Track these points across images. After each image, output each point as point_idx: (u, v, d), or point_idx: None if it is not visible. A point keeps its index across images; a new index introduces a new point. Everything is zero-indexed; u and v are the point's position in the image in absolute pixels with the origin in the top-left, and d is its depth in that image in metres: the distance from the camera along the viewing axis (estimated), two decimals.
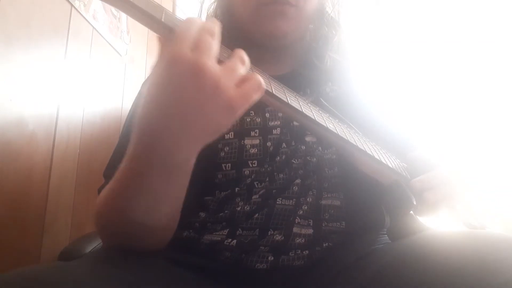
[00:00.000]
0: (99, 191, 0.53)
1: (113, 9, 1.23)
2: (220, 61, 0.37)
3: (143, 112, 0.37)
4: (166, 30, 0.37)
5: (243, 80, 0.37)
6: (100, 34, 1.13)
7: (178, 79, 0.34)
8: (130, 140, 0.39)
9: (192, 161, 0.40)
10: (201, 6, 0.72)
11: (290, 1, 0.59)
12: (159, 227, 0.45)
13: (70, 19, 0.97)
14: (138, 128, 0.37)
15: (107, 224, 0.46)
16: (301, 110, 0.43)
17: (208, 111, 0.35)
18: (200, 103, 0.35)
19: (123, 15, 1.30)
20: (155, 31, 0.37)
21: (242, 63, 0.38)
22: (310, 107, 0.46)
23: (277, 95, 0.41)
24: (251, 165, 0.57)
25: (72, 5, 0.97)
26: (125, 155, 0.40)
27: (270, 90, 0.41)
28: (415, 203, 0.52)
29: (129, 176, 0.40)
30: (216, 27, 0.38)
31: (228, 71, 0.36)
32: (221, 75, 0.35)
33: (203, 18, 0.72)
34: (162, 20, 0.36)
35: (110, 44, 1.21)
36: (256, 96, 0.37)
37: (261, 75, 0.40)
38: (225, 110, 0.36)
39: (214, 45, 0.36)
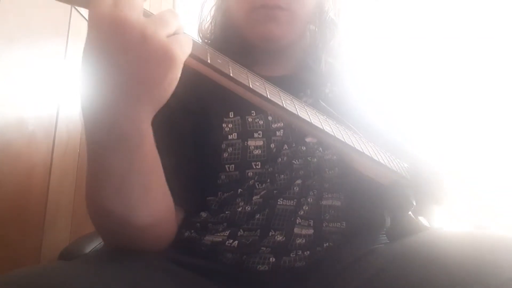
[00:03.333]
0: None
1: None
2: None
3: (81, 89, 0.35)
4: None
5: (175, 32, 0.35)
6: None
7: (101, 39, 0.33)
8: None
9: (146, 129, 0.38)
10: (201, 10, 0.72)
11: (281, 5, 0.59)
12: (142, 226, 0.43)
13: (70, 19, 0.97)
14: (81, 108, 0.36)
15: (93, 218, 0.45)
16: (296, 113, 0.43)
17: (141, 66, 0.33)
18: (129, 59, 0.33)
19: None
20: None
21: (173, 16, 0.36)
22: (306, 110, 0.46)
23: (272, 99, 0.41)
24: (254, 167, 0.57)
25: (72, 5, 0.97)
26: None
27: (265, 95, 0.41)
28: (414, 202, 0.52)
29: (90, 164, 0.39)
30: None
31: (155, 21, 0.34)
32: (148, 25, 0.33)
33: (201, 18, 0.72)
34: None
35: None
36: (189, 45, 0.36)
37: (256, 79, 0.40)
38: (159, 61, 0.34)
39: (137, 1, 0.34)
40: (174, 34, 0.35)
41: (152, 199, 0.44)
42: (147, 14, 0.36)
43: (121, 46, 0.33)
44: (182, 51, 0.35)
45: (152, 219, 0.45)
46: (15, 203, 0.78)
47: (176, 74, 0.36)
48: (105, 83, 0.34)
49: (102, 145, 0.37)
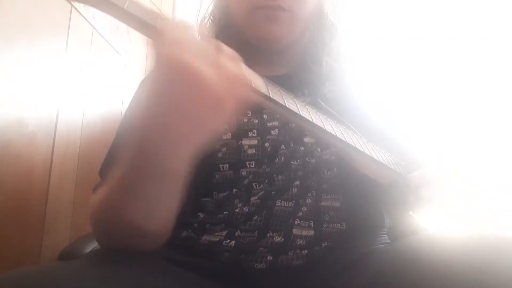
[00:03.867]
0: (94, 190, 0.53)
1: None
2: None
3: (134, 117, 0.37)
4: (150, 29, 0.36)
5: (231, 75, 0.36)
6: (100, 34, 1.13)
7: (164, 78, 0.34)
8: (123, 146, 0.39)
9: (187, 165, 0.39)
10: (200, 6, 0.72)
11: (283, 6, 0.59)
12: (155, 230, 0.45)
13: (70, 19, 0.97)
14: (130, 134, 0.37)
15: (103, 227, 0.46)
16: (298, 112, 0.43)
17: (194, 110, 0.34)
18: (185, 102, 0.34)
19: None
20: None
21: (234, 59, 0.37)
22: (307, 109, 0.46)
23: (274, 97, 0.41)
24: (248, 166, 0.57)
25: (72, 5, 0.97)
26: (118, 160, 0.40)
27: (267, 93, 0.41)
28: (412, 199, 0.52)
29: (123, 183, 0.40)
30: (204, 27, 0.37)
31: (214, 67, 0.35)
32: (207, 72, 0.34)
33: (199, 17, 0.72)
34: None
35: (110, 44, 1.21)
36: (245, 95, 0.36)
37: (257, 78, 0.40)
38: (212, 108, 0.35)
39: (201, 42, 0.36)
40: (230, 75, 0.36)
41: (170, 215, 0.45)
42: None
43: (179, 89, 0.34)
44: (236, 103, 0.36)
45: (162, 226, 0.46)
46: (15, 203, 0.78)
47: (223, 121, 0.37)
48: (159, 122, 0.35)
49: (142, 174, 0.38)
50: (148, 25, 0.36)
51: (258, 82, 0.41)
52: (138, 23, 0.36)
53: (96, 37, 1.11)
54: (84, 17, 1.04)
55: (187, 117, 0.35)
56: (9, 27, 0.76)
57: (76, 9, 0.99)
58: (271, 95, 0.41)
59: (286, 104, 0.42)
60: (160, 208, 0.43)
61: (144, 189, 0.39)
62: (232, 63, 0.36)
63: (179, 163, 0.38)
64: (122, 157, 0.39)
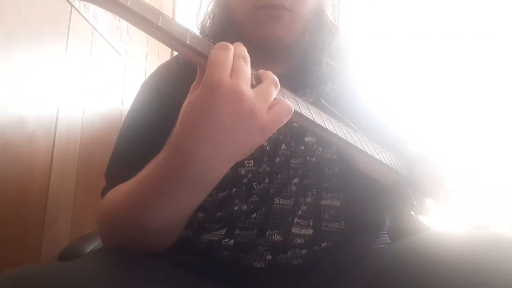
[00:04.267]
0: (103, 193, 0.53)
1: None
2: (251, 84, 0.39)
3: (180, 132, 0.38)
4: (197, 55, 0.38)
5: (274, 104, 0.39)
6: (100, 34, 1.13)
7: (219, 104, 0.36)
8: (156, 154, 0.41)
9: (221, 178, 0.41)
10: (200, 5, 0.72)
11: (285, 5, 0.59)
12: (169, 231, 0.46)
13: (70, 19, 0.97)
14: (174, 146, 0.38)
15: (115, 230, 0.47)
16: (299, 111, 0.43)
17: (243, 134, 0.37)
18: (236, 126, 0.37)
19: None
20: (153, 36, 0.38)
21: (275, 87, 0.40)
22: (309, 108, 0.46)
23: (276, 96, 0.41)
24: (247, 165, 0.57)
25: (72, 5, 0.97)
26: (149, 166, 0.42)
27: None
28: (415, 202, 0.52)
29: (155, 190, 0.41)
30: (246, 52, 0.40)
31: (262, 96, 0.38)
32: (256, 100, 0.37)
33: (199, 17, 0.72)
34: (159, 24, 0.36)
35: (110, 44, 1.21)
36: (286, 120, 0.39)
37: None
38: (257, 133, 0.38)
39: (248, 71, 0.38)
40: (273, 104, 0.39)
41: (187, 216, 0.47)
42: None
43: (233, 115, 0.36)
44: (276, 126, 0.39)
45: (175, 227, 0.48)
46: (15, 203, 0.78)
47: (263, 141, 0.41)
48: (209, 140, 0.37)
49: (176, 187, 0.40)
50: (197, 51, 0.38)
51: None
52: (140, 21, 0.36)
53: (96, 37, 1.12)
54: (84, 17, 1.04)
55: (236, 139, 0.37)
56: (9, 27, 0.76)
57: (76, 9, 0.99)
58: None
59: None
60: (182, 214, 0.45)
61: (178, 198, 0.41)
62: (276, 90, 0.40)
63: (217, 177, 0.41)
64: (157, 165, 0.40)
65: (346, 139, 0.48)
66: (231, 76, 0.37)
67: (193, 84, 0.40)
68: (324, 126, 0.45)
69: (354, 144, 0.48)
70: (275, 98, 0.40)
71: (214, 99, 0.36)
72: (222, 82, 0.36)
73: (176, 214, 0.44)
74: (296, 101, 0.44)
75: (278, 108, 0.39)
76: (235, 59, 0.38)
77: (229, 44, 0.39)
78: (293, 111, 0.40)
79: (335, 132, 0.46)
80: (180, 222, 0.47)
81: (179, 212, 0.44)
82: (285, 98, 0.43)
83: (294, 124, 0.59)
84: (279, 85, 0.40)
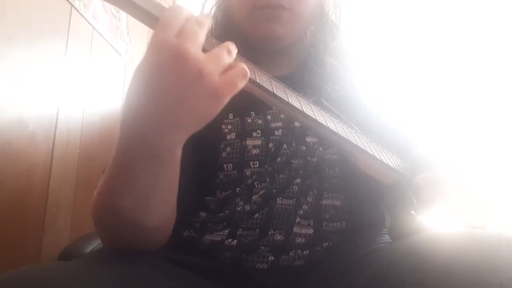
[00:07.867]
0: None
1: (113, 9, 1.23)
2: (207, 51, 0.36)
3: (126, 101, 0.36)
4: (149, 17, 0.37)
5: (228, 68, 0.37)
6: (100, 34, 1.13)
7: (159, 64, 0.34)
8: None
9: (178, 151, 0.39)
10: (203, 9, 0.72)
11: (284, 4, 0.59)
12: (152, 227, 0.44)
13: (70, 19, 0.97)
14: (122, 118, 0.37)
15: (101, 221, 0.46)
16: (302, 109, 0.43)
17: (191, 98, 0.35)
18: (182, 90, 0.34)
19: (123, 15, 1.30)
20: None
21: (228, 52, 0.37)
22: (311, 106, 0.46)
23: (278, 94, 0.41)
24: (252, 166, 0.57)
25: (72, 5, 0.97)
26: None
27: (271, 90, 0.41)
28: (415, 202, 0.52)
29: (116, 170, 0.40)
30: (206, 19, 0.38)
31: (212, 59, 0.36)
32: (205, 62, 0.35)
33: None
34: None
35: (110, 44, 1.21)
36: (241, 84, 0.37)
37: (262, 75, 0.40)
38: (208, 98, 0.35)
39: (201, 34, 0.36)
40: (227, 69, 0.37)
41: (166, 208, 0.45)
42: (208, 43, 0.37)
43: (177, 76, 0.34)
44: (230, 91, 0.36)
45: (161, 222, 0.46)
46: (15, 203, 0.78)
47: (218, 109, 0.37)
48: (152, 103, 0.35)
49: (133, 158, 0.38)
50: (151, 15, 0.36)
51: (262, 77, 0.41)
52: (143, 14, 0.36)
53: (96, 37, 1.12)
54: (84, 17, 1.04)
55: (183, 103, 0.35)
56: (9, 27, 0.76)
57: (76, 9, 0.99)
58: (275, 91, 0.41)
59: (290, 101, 0.42)
60: (154, 199, 0.42)
61: (135, 175, 0.39)
62: (229, 55, 0.37)
63: (170, 148, 0.38)
64: (116, 144, 0.39)
65: (347, 137, 0.48)
66: (176, 36, 0.34)
67: None
68: (325, 124, 0.45)
69: (355, 143, 0.48)
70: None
71: (156, 60, 0.34)
72: (165, 41, 0.34)
73: (146, 200, 0.41)
74: (298, 100, 0.44)
75: (232, 71, 0.36)
76: (188, 21, 0.36)
77: (184, 8, 0.37)
78: (249, 74, 0.38)
79: (336, 131, 0.46)
80: (158, 215, 0.44)
81: (147, 196, 0.41)
82: (287, 96, 0.43)
83: (296, 123, 0.59)
84: (233, 51, 0.38)
